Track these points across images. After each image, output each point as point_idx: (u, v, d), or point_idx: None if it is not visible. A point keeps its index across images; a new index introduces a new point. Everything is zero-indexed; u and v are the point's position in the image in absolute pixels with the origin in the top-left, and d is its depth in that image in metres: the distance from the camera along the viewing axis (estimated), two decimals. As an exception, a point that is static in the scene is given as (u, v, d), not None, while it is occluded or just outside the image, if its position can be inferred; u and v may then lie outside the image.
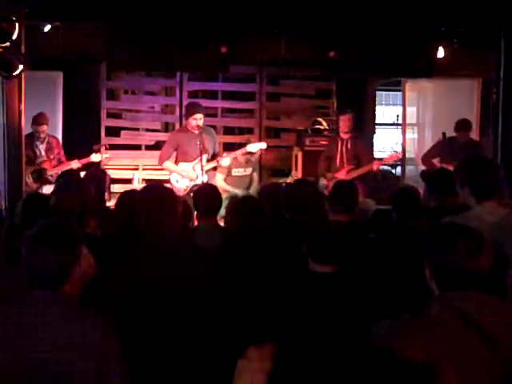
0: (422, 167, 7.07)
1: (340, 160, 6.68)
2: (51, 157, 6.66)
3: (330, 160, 6.78)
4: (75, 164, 6.59)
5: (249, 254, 3.22)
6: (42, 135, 6.62)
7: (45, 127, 6.62)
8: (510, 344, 1.86)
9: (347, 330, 2.36)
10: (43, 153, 6.65)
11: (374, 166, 6.60)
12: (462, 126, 6.77)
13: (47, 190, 6.30)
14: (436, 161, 6.75)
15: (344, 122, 6.64)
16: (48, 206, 3.33)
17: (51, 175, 6.53)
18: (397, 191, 4.20)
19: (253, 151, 6.57)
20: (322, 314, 2.47)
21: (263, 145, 6.66)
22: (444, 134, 6.78)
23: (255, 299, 2.69)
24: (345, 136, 6.65)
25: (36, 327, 2.02)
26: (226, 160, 6.34)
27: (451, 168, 5.95)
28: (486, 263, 1.99)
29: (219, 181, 6.70)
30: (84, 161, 6.64)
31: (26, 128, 6.08)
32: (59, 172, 6.38)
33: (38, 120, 6.57)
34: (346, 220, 3.66)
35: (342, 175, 6.57)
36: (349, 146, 6.68)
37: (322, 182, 6.66)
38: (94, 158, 6.71)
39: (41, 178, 6.47)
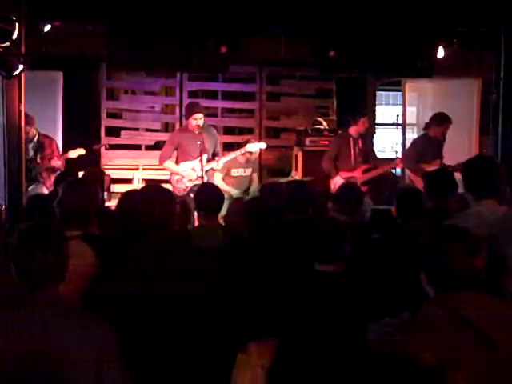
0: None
1: (354, 159, 6.67)
2: (38, 156, 6.62)
3: (337, 158, 6.74)
4: (55, 162, 6.56)
5: (252, 253, 3.22)
6: (29, 135, 6.47)
7: (27, 128, 6.31)
8: (507, 343, 1.86)
9: (349, 329, 2.36)
10: (31, 152, 6.61)
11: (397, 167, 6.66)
12: (445, 119, 6.43)
13: (33, 189, 6.32)
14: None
15: (364, 124, 6.64)
16: (47, 206, 3.33)
17: (39, 173, 6.53)
18: (399, 192, 4.19)
19: (252, 151, 6.55)
20: (324, 313, 2.47)
21: (263, 145, 6.64)
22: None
23: (257, 297, 2.70)
24: (356, 135, 6.65)
25: (34, 329, 2.01)
26: (220, 162, 6.28)
27: (430, 168, 5.99)
28: (481, 263, 2.00)
29: (217, 180, 6.67)
30: (62, 158, 6.64)
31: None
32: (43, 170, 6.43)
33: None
34: (349, 220, 3.66)
35: (358, 175, 6.57)
36: (360, 144, 6.68)
37: (340, 180, 6.54)
38: (72, 154, 6.69)
39: (32, 177, 6.46)
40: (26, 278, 2.09)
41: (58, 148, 6.84)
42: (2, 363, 1.98)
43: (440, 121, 6.42)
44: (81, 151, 6.78)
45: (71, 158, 6.71)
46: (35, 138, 6.61)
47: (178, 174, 6.25)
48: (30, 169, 6.45)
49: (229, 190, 6.58)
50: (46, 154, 6.66)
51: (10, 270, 2.54)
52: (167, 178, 6.53)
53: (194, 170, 6.16)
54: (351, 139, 6.68)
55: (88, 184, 3.52)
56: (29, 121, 6.39)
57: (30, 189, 6.32)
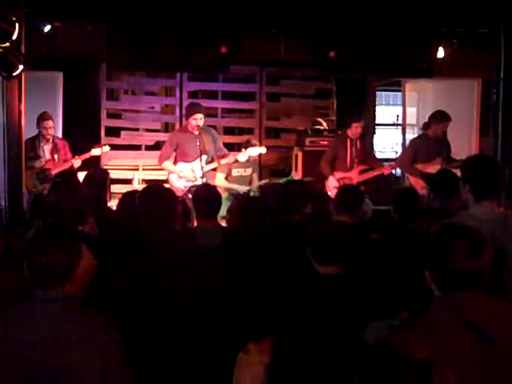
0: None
1: (350, 160, 6.68)
2: (55, 157, 6.64)
3: (335, 159, 6.76)
4: (76, 162, 6.58)
5: (251, 254, 3.23)
6: (50, 131, 6.59)
7: (51, 123, 6.60)
8: (509, 344, 1.86)
9: (348, 328, 2.36)
10: (47, 153, 6.63)
11: (387, 170, 6.64)
12: (443, 116, 6.41)
13: None
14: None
15: (357, 129, 6.65)
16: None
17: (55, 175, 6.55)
18: (397, 193, 4.20)
19: (252, 155, 6.58)
20: (323, 314, 2.47)
21: (263, 149, 6.67)
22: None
23: (257, 296, 2.70)
24: (354, 136, 6.68)
25: (37, 327, 2.02)
26: (225, 160, 6.33)
27: (430, 169, 6.00)
28: (486, 263, 1.99)
29: (220, 180, 6.69)
30: (83, 156, 6.63)
31: (27, 128, 6.06)
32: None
33: (44, 116, 6.58)
34: (350, 221, 3.66)
35: (354, 175, 6.58)
36: (358, 146, 6.70)
37: (333, 181, 6.59)
38: (94, 152, 6.70)
39: (46, 178, 6.47)
40: (37, 274, 2.10)
41: (69, 150, 6.84)
42: (12, 355, 2.00)
43: (440, 118, 6.41)
44: (106, 148, 6.81)
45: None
46: (51, 139, 6.64)
47: (176, 173, 6.25)
48: (46, 170, 6.48)
49: (236, 187, 6.60)
50: (61, 155, 6.68)
51: (10, 269, 2.55)
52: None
53: (193, 170, 6.16)
54: (348, 140, 6.71)
55: (80, 183, 3.52)
56: (50, 116, 6.47)
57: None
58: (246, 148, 6.56)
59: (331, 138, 7.62)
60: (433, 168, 5.97)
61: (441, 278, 2.01)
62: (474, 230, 2.06)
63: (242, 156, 6.37)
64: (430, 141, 6.44)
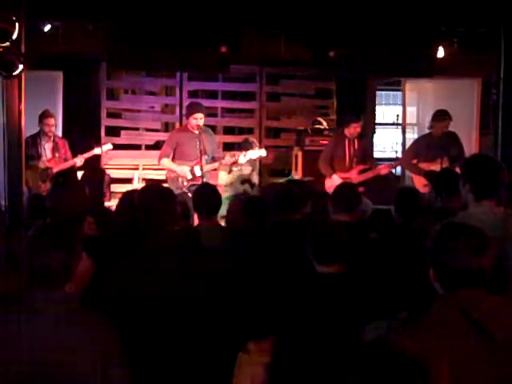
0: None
1: (349, 160, 6.67)
2: (56, 155, 6.66)
3: (333, 158, 6.75)
4: (79, 161, 6.59)
5: (251, 253, 3.23)
6: (52, 129, 6.63)
7: (53, 120, 6.67)
8: (510, 342, 1.86)
9: (348, 328, 2.36)
10: (48, 152, 6.65)
11: (384, 170, 6.65)
12: (444, 114, 6.45)
13: None
14: (415, 161, 6.58)
15: (356, 129, 6.64)
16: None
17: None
18: (398, 192, 4.20)
19: (253, 158, 6.59)
20: (324, 313, 2.48)
21: (263, 152, 6.66)
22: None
23: (257, 296, 2.70)
24: (351, 136, 6.67)
25: (35, 328, 2.02)
26: (227, 159, 6.35)
27: (433, 168, 6.02)
28: (488, 262, 2.00)
29: (223, 177, 6.70)
30: (86, 155, 6.65)
31: (27, 128, 6.06)
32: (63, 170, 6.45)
33: (46, 113, 6.64)
34: (349, 220, 3.66)
35: (353, 176, 6.57)
36: (356, 145, 6.69)
37: (338, 180, 6.56)
38: (97, 150, 6.72)
39: (47, 177, 6.48)
40: (37, 274, 2.10)
41: (69, 149, 6.87)
42: (12, 355, 2.00)
43: (440, 117, 6.43)
44: (108, 146, 6.83)
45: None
46: (52, 138, 6.67)
47: (173, 172, 6.24)
48: (48, 169, 6.49)
49: (240, 173, 6.62)
50: (62, 153, 6.69)
51: (10, 269, 2.55)
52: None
53: (193, 170, 6.15)
54: (346, 140, 6.69)
55: (79, 183, 3.52)
56: (52, 114, 6.50)
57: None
58: (245, 148, 6.56)
59: (335, 136, 7.62)
60: (435, 167, 5.99)
61: (444, 276, 2.02)
62: (477, 229, 2.07)
63: (243, 158, 6.35)
64: (432, 140, 6.46)
